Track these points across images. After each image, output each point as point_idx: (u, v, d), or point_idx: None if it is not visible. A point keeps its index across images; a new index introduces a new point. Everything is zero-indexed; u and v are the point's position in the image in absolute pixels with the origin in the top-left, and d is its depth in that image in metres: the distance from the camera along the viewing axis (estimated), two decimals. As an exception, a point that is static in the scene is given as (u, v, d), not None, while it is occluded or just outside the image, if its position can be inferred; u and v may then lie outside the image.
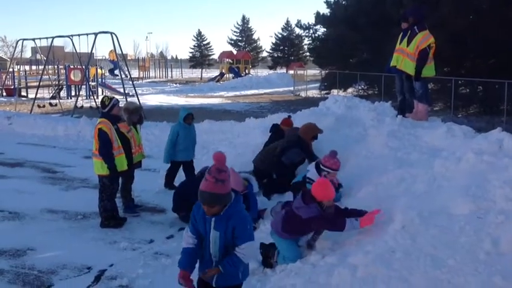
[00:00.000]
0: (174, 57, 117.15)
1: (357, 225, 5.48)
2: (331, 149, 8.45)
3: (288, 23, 76.77)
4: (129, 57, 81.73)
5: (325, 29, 36.68)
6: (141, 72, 63.55)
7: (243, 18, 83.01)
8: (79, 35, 22.60)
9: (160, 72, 69.48)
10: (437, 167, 6.16)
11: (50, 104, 27.23)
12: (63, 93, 31.64)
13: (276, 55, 78.05)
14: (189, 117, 10.05)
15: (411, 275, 4.35)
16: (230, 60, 60.57)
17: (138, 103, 9.66)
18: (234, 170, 7.05)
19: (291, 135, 9.06)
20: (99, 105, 8.32)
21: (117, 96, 10.09)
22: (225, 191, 3.82)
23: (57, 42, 63.13)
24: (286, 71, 63.76)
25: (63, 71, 31.93)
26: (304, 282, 5.09)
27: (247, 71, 60.88)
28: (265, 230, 6.65)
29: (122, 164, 7.85)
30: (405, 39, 9.37)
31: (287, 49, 76.71)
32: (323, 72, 38.58)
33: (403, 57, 9.30)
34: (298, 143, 8.62)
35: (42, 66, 27.77)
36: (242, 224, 3.93)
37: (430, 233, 4.72)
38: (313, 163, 7.41)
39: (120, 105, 8.16)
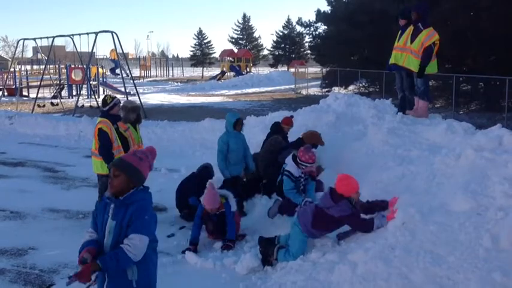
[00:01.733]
0: (175, 55, 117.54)
1: (385, 222, 5.43)
2: (332, 146, 8.51)
3: (289, 20, 76.84)
4: (130, 56, 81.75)
5: (326, 27, 36.76)
6: (142, 71, 63.55)
7: (244, 16, 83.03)
8: (80, 35, 22.63)
9: (162, 71, 69.48)
10: (437, 163, 6.16)
11: (51, 103, 27.26)
12: (64, 93, 31.67)
13: (277, 53, 78.02)
14: (239, 122, 8.41)
15: (411, 271, 4.36)
16: (231, 59, 60.52)
17: (136, 102, 9.61)
18: (212, 185, 6.96)
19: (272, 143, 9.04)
20: (101, 104, 8.32)
21: (118, 96, 10.09)
22: (135, 164, 3.75)
23: (58, 41, 63.37)
24: (287, 69, 63.68)
25: (64, 71, 31.95)
26: (304, 279, 5.11)
27: (248, 69, 60.80)
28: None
29: None
30: (403, 37, 9.36)
31: (288, 47, 76.66)
32: (324, 70, 38.55)
33: (407, 54, 9.27)
34: (298, 146, 8.60)
35: (43, 66, 27.79)
36: (140, 214, 3.66)
37: (430, 229, 4.72)
38: (290, 156, 7.43)
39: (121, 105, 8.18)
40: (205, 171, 8.31)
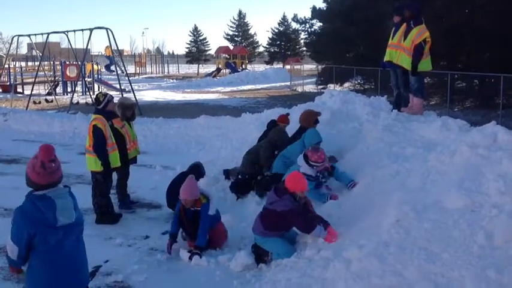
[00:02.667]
0: (171, 52, 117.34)
1: (324, 235, 5.63)
2: (327, 143, 8.48)
3: (284, 17, 76.81)
4: (125, 53, 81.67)
5: (321, 24, 36.81)
6: (138, 68, 63.40)
7: (240, 13, 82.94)
8: (74, 31, 22.49)
9: (157, 68, 69.35)
10: (432, 161, 6.16)
11: (46, 100, 27.16)
12: (59, 90, 31.57)
13: (272, 50, 77.99)
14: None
15: (405, 268, 4.37)
16: (227, 56, 60.48)
17: (133, 99, 9.59)
18: (193, 177, 6.80)
19: (276, 132, 9.03)
20: (94, 103, 8.30)
21: (113, 92, 10.05)
22: (27, 171, 3.79)
23: (53, 38, 63.12)
24: (283, 66, 63.67)
25: (59, 67, 31.85)
26: (299, 277, 5.12)
27: (243, 66, 60.76)
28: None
29: (115, 160, 7.86)
30: (397, 34, 9.36)
31: (284, 44, 76.64)
32: (319, 67, 38.55)
33: (400, 52, 9.29)
34: (302, 133, 8.61)
35: (38, 63, 27.68)
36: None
37: (424, 227, 4.73)
38: (301, 157, 7.37)
39: (114, 101, 8.15)
40: (196, 170, 8.26)
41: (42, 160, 3.74)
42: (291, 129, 9.37)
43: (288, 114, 9.96)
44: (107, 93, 8.19)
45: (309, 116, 8.95)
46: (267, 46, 78.82)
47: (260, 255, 6.01)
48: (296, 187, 5.77)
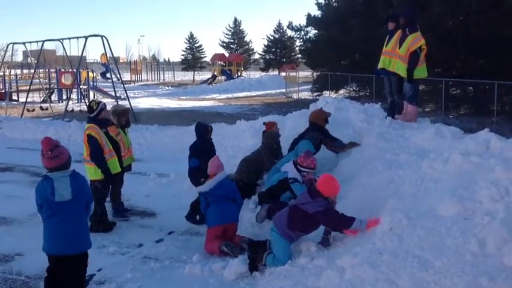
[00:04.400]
0: (166, 59, 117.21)
1: (364, 225, 5.52)
2: (321, 150, 8.50)
3: (279, 25, 76.81)
4: (121, 60, 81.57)
5: (316, 31, 36.81)
6: (133, 75, 63.35)
7: (235, 20, 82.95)
8: (70, 39, 22.53)
9: (153, 75, 69.27)
10: (425, 168, 6.18)
11: (41, 107, 27.10)
12: (54, 97, 31.51)
13: (268, 57, 77.97)
14: None
15: (398, 276, 4.37)
16: (222, 63, 60.45)
17: (125, 105, 9.57)
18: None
19: (270, 135, 9.05)
20: (87, 111, 8.29)
21: (108, 100, 10.05)
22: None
23: (48, 45, 63.00)
24: (278, 73, 63.77)
25: (54, 75, 31.79)
26: (293, 285, 5.11)
27: (239, 73, 60.79)
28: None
29: (115, 166, 7.86)
30: (391, 41, 9.41)
31: (279, 51, 76.66)
32: (315, 74, 38.61)
33: (395, 59, 9.32)
34: (316, 128, 8.64)
35: (33, 70, 27.65)
36: None
37: (417, 234, 4.73)
38: (291, 164, 7.36)
39: (108, 108, 8.14)
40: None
41: (42, 149, 4.83)
42: (286, 137, 9.38)
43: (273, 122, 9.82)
44: (100, 101, 8.18)
45: (321, 113, 9.07)
46: (263, 53, 78.82)
47: (254, 261, 5.98)
48: (331, 192, 5.78)
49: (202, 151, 8.17)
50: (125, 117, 8.56)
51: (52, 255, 4.90)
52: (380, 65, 9.69)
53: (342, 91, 32.94)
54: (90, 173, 7.73)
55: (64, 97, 30.75)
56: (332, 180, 5.84)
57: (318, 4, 34.64)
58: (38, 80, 28.81)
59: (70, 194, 4.73)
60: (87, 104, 8.52)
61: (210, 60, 66.48)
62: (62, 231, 4.77)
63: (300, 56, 61.36)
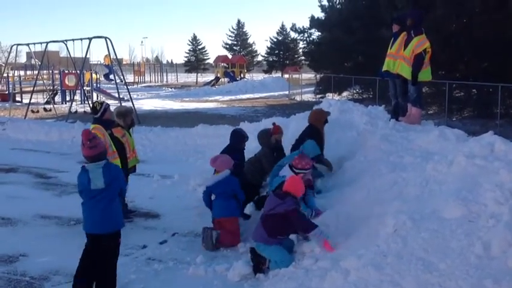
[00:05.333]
0: (170, 61, 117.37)
1: (321, 239, 5.78)
2: (325, 152, 8.48)
3: (283, 27, 76.77)
4: (124, 62, 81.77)
5: (319, 33, 36.77)
6: (136, 77, 63.45)
7: (238, 22, 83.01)
8: (73, 40, 22.57)
9: (156, 77, 69.40)
10: (429, 170, 6.17)
11: (44, 109, 27.15)
12: (57, 98, 31.57)
13: (271, 59, 77.96)
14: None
15: (402, 278, 4.36)
16: (225, 65, 60.47)
17: (128, 106, 9.58)
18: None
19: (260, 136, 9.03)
20: (91, 112, 8.31)
21: (111, 101, 10.08)
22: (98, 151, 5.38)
23: (52, 47, 63.17)
24: (282, 75, 63.66)
25: (57, 76, 31.86)
26: (297, 287, 5.11)
27: (242, 75, 60.79)
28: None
29: None
30: (396, 43, 9.40)
31: (282, 53, 76.65)
32: (318, 76, 38.59)
33: (400, 61, 9.30)
34: (313, 133, 8.54)
35: (37, 71, 27.71)
36: None
37: (422, 236, 4.73)
38: (287, 167, 7.36)
39: (111, 109, 8.15)
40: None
41: (82, 140, 5.37)
42: (290, 139, 9.36)
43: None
44: (103, 102, 8.20)
45: (319, 114, 8.95)
46: (266, 55, 78.83)
47: (258, 263, 6.00)
48: (297, 191, 6.05)
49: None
50: (130, 117, 8.57)
51: (87, 233, 5.51)
52: (384, 67, 9.69)
53: (345, 93, 32.93)
54: None
55: (67, 98, 30.82)
56: (298, 179, 6.20)
57: (322, 6, 34.64)
58: (41, 81, 28.87)
59: (103, 183, 5.31)
60: (91, 105, 8.54)
61: (213, 62, 66.51)
62: (95, 213, 5.38)
63: (303, 58, 61.25)
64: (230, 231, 7.08)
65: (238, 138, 8.64)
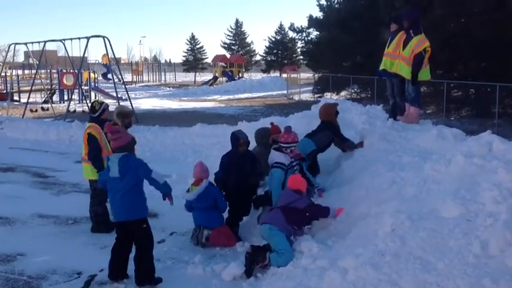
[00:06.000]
0: (168, 61, 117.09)
1: (334, 213, 6.47)
2: (323, 152, 8.47)
3: (281, 26, 76.84)
4: (122, 61, 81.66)
5: (318, 32, 36.82)
6: (135, 76, 63.43)
7: (237, 21, 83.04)
8: (71, 39, 22.52)
9: (154, 76, 69.38)
10: (428, 170, 6.16)
11: (42, 108, 27.13)
12: (55, 98, 31.54)
13: (269, 58, 78.00)
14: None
15: (400, 278, 4.37)
16: (224, 64, 60.46)
17: (129, 107, 9.57)
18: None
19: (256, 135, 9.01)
20: (89, 111, 8.29)
21: (109, 101, 10.05)
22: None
23: (50, 46, 62.98)
24: (280, 75, 63.74)
25: (55, 75, 31.82)
26: (295, 286, 5.10)
27: (240, 75, 60.81)
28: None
29: None
30: (393, 43, 9.38)
31: (280, 52, 76.69)
32: (316, 75, 38.62)
33: (399, 61, 9.28)
34: (327, 127, 8.47)
35: (35, 71, 27.68)
36: None
37: (420, 236, 4.72)
38: (272, 150, 7.44)
39: (110, 109, 8.14)
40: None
41: (107, 133, 6.08)
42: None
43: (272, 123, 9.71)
44: (103, 102, 8.18)
45: (329, 108, 8.82)
46: (264, 55, 78.85)
47: (256, 261, 5.98)
48: (302, 187, 6.56)
49: (227, 164, 7.79)
50: (129, 119, 8.53)
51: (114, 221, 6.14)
52: (381, 66, 9.67)
53: (343, 93, 32.97)
54: (87, 172, 7.74)
55: (65, 98, 30.79)
56: (299, 177, 6.70)
57: (320, 5, 34.65)
58: (39, 81, 28.83)
59: (117, 172, 5.70)
60: (89, 104, 8.53)
61: (212, 61, 66.49)
62: (114, 202, 5.90)
63: (301, 57, 61.40)
64: (223, 233, 7.10)
65: (233, 140, 8.30)
